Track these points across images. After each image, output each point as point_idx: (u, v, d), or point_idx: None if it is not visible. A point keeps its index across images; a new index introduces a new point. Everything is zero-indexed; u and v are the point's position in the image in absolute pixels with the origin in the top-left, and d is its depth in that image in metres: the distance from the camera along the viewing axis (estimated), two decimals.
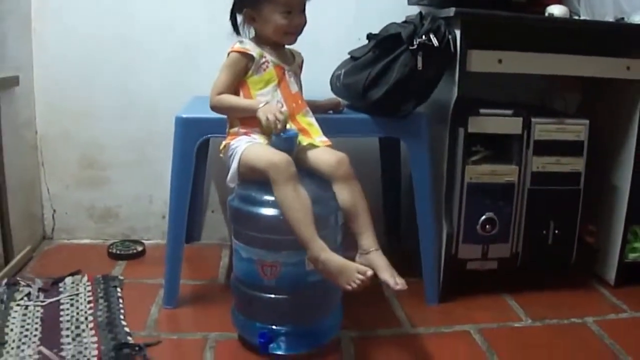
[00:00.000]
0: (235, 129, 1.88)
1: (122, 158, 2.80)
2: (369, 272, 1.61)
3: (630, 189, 2.31)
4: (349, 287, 1.62)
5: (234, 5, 1.95)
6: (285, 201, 1.67)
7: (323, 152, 1.85)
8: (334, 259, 1.64)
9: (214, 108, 1.89)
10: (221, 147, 1.91)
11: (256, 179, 1.73)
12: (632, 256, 2.38)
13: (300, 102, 1.94)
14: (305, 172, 1.82)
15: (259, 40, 1.93)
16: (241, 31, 1.97)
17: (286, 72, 1.93)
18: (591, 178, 2.32)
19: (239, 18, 1.95)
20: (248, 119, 1.84)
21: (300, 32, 1.93)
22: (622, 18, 2.32)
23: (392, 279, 1.69)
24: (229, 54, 1.89)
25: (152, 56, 2.72)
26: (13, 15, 2.48)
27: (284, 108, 1.84)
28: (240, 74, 1.88)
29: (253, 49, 1.88)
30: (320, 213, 1.72)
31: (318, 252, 1.64)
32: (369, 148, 2.67)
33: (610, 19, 2.35)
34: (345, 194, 1.79)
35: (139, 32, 2.70)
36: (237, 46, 1.88)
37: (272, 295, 1.78)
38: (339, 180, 1.80)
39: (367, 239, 1.78)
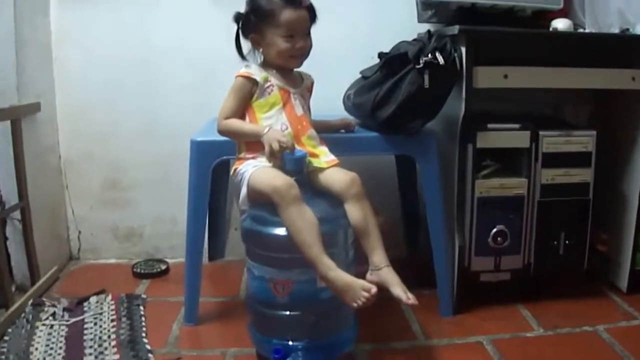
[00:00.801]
0: (242, 154, 1.93)
1: (144, 179, 2.87)
2: (374, 290, 1.65)
3: None
4: (355, 305, 1.66)
5: (238, 31, 1.99)
6: (290, 223, 1.71)
7: (335, 172, 1.89)
8: (341, 277, 1.68)
9: (221, 132, 1.94)
10: (231, 172, 1.96)
11: (265, 201, 1.77)
12: None
13: (306, 124, 1.97)
14: (316, 191, 1.87)
15: (266, 64, 1.98)
16: (251, 55, 2.00)
17: (292, 95, 1.96)
18: (602, 187, 2.35)
19: (247, 43, 1.99)
20: (253, 144, 1.89)
21: (305, 55, 1.96)
22: (628, 29, 2.34)
23: (404, 294, 1.74)
24: (235, 78, 1.94)
25: (172, 78, 2.78)
26: (32, 44, 2.56)
27: (288, 130, 1.90)
28: (246, 97, 1.92)
29: (258, 73, 1.92)
30: (329, 231, 1.77)
31: (325, 270, 1.68)
32: (386, 163, 2.71)
33: (615, 30, 2.37)
34: (357, 212, 1.84)
35: (159, 55, 2.77)
36: (242, 71, 1.93)
37: (286, 312, 1.81)
38: (351, 199, 1.84)
39: (378, 256, 1.83)
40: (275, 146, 1.77)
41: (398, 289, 1.75)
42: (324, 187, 1.88)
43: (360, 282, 1.69)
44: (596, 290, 2.48)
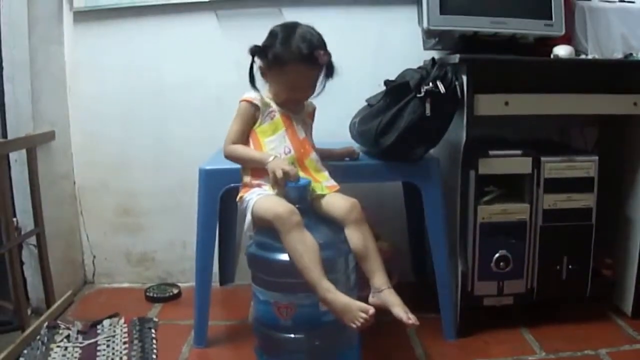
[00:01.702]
0: (248, 179, 1.97)
1: (156, 205, 2.93)
2: (371, 311, 1.70)
3: None
4: (354, 325, 1.70)
5: (253, 61, 2.00)
6: (291, 248, 1.76)
7: (335, 198, 1.93)
8: (339, 299, 1.72)
9: (228, 157, 1.99)
10: (237, 198, 2.00)
11: (269, 227, 1.82)
12: None
13: (308, 147, 2.01)
14: (318, 217, 1.91)
15: (270, 92, 2.02)
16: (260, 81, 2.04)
17: (293, 119, 2.01)
18: (607, 211, 2.37)
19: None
20: (258, 169, 1.93)
21: (304, 100, 2.03)
22: (631, 54, 2.37)
23: (405, 315, 1.77)
24: (239, 103, 2.00)
25: (184, 109, 2.85)
26: (47, 74, 2.64)
27: (291, 153, 1.95)
28: (250, 122, 1.97)
29: (260, 99, 1.97)
30: (330, 257, 1.81)
31: (324, 293, 1.72)
32: (394, 189, 2.74)
33: (619, 55, 2.40)
34: (357, 237, 1.88)
35: (171, 86, 2.84)
36: (246, 96, 1.99)
37: (290, 335, 1.85)
38: (351, 225, 1.88)
39: (379, 279, 1.86)
40: (279, 174, 1.81)
41: (399, 309, 1.79)
42: (324, 213, 1.92)
43: (359, 303, 1.73)
44: (601, 314, 2.48)
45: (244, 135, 1.98)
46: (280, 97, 1.99)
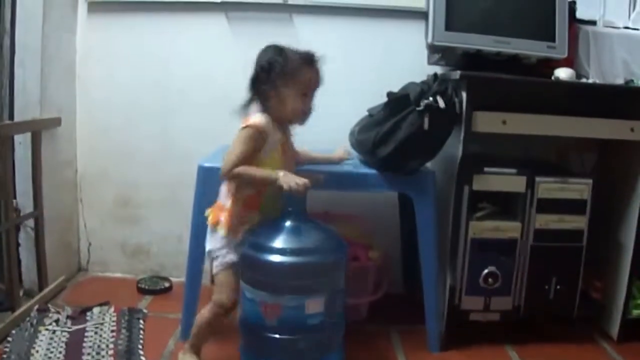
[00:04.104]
0: (236, 207, 1.97)
1: (155, 198, 2.95)
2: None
3: (634, 245, 2.34)
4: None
5: (252, 83, 1.99)
6: (205, 322, 2.03)
7: None
8: None
9: (234, 177, 1.92)
10: (211, 218, 2.02)
11: None
12: (635, 312, 2.40)
13: (292, 163, 2.07)
14: (312, 220, 1.96)
15: (268, 116, 1.96)
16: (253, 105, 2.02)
17: (287, 145, 2.04)
18: (599, 234, 2.39)
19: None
20: (250, 200, 1.97)
21: (310, 112, 2.00)
22: (632, 80, 2.39)
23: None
24: (245, 127, 1.92)
25: (189, 103, 2.88)
26: (57, 61, 2.68)
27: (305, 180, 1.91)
28: (258, 148, 1.92)
29: (268, 127, 1.93)
30: (319, 261, 1.86)
31: None
32: (389, 200, 2.75)
33: (620, 81, 2.42)
34: None
35: (178, 80, 2.87)
36: (254, 122, 1.92)
37: (274, 335, 1.87)
38: None
39: None
40: (294, 186, 1.83)
41: None
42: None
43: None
44: (587, 337, 2.48)
45: (249, 161, 1.91)
46: (294, 115, 1.98)
